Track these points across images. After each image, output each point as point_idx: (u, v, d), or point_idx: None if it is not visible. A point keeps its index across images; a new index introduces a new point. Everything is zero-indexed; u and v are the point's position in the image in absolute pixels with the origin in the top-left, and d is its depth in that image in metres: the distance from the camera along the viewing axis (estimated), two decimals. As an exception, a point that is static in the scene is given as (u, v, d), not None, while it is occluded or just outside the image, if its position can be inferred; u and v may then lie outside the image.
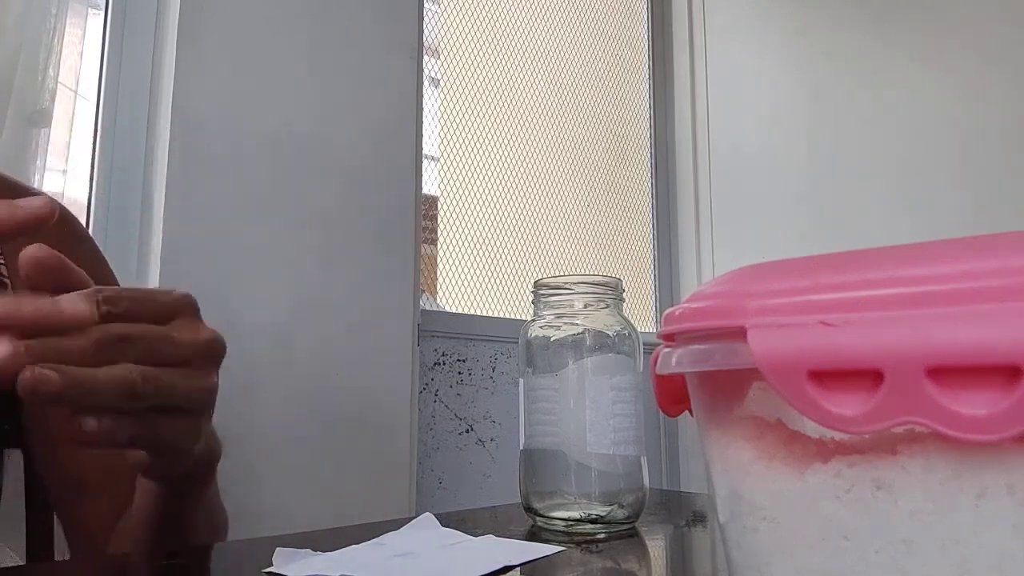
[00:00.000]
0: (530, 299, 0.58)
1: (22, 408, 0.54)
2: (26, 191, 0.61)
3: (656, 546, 0.51)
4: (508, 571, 0.40)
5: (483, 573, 0.39)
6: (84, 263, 0.61)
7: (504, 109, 1.70)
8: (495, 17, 1.72)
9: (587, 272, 1.60)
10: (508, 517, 0.57)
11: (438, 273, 1.53)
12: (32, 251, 0.33)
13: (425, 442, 1.36)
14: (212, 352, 0.39)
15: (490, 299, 1.60)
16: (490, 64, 1.69)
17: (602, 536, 0.50)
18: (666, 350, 0.24)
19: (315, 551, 0.43)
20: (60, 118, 1.02)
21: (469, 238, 1.59)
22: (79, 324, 0.31)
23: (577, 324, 0.54)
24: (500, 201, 1.66)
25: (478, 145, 1.64)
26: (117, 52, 1.08)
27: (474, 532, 0.49)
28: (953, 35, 1.55)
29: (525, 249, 1.69)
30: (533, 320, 0.56)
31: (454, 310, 1.53)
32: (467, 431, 1.44)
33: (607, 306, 0.55)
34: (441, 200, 1.56)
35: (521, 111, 1.74)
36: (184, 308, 0.38)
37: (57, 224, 0.61)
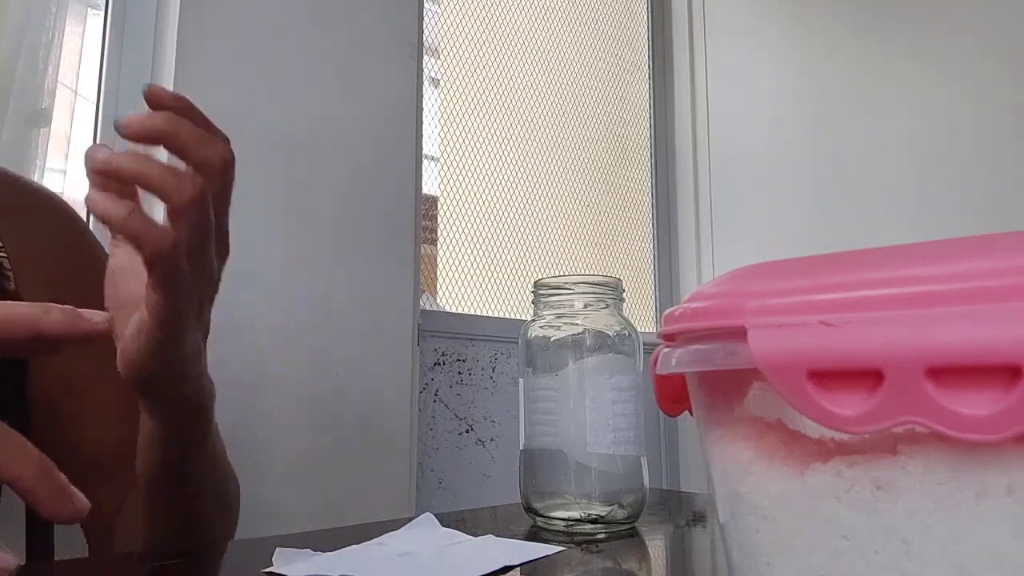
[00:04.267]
0: (530, 299, 0.58)
1: (26, 393, 0.54)
2: (32, 186, 0.62)
3: (656, 546, 0.51)
4: (508, 571, 0.40)
5: (483, 573, 0.39)
6: (88, 269, 0.61)
7: (504, 109, 1.70)
8: (495, 17, 1.72)
9: (587, 272, 1.60)
10: (508, 517, 0.57)
11: (438, 273, 1.53)
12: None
13: (425, 442, 1.36)
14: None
15: (490, 299, 1.60)
16: (490, 64, 1.69)
17: (602, 536, 0.50)
18: (666, 350, 0.24)
19: (315, 551, 0.43)
20: (60, 118, 1.02)
21: (469, 238, 1.59)
22: (99, 336, 0.32)
23: (577, 324, 0.54)
24: (500, 201, 1.66)
25: (478, 145, 1.64)
26: (117, 52, 1.08)
27: (474, 532, 0.49)
28: (955, 33, 1.55)
29: (525, 249, 1.69)
30: (533, 320, 0.56)
31: (454, 310, 1.53)
32: (467, 431, 1.44)
33: (607, 306, 0.55)
34: (441, 200, 1.56)
35: (521, 111, 1.74)
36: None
37: (61, 221, 0.61)
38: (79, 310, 0.32)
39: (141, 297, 0.43)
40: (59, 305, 0.32)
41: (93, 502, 0.52)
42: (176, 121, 0.40)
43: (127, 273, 0.45)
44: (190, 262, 0.40)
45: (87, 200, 0.37)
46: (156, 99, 0.39)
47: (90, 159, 0.37)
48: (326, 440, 1.14)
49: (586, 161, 1.88)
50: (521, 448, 0.55)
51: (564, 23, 1.88)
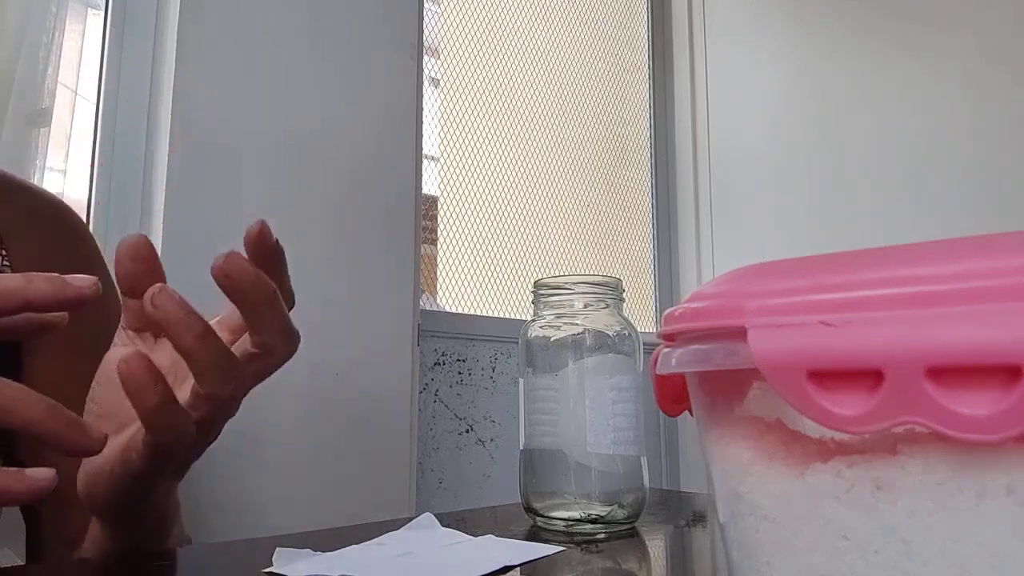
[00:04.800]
0: (530, 299, 0.58)
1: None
2: (36, 192, 0.62)
3: (656, 546, 0.51)
4: (508, 571, 0.40)
5: (483, 573, 0.39)
6: (84, 264, 0.61)
7: (504, 109, 1.70)
8: (495, 17, 1.72)
9: (587, 272, 1.60)
10: (508, 517, 0.57)
11: (438, 273, 1.53)
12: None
13: (425, 442, 1.36)
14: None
15: (490, 299, 1.60)
16: (490, 64, 1.69)
17: (602, 536, 0.50)
18: (666, 350, 0.24)
19: (315, 551, 0.43)
20: (60, 118, 1.02)
21: (469, 238, 1.59)
22: (86, 300, 0.32)
23: (577, 324, 0.54)
24: (500, 201, 1.66)
25: (478, 145, 1.64)
26: (117, 52, 1.08)
27: (474, 532, 0.49)
28: (954, 34, 1.55)
29: (525, 249, 1.69)
30: (533, 320, 0.56)
31: (454, 310, 1.53)
32: (467, 431, 1.44)
33: (607, 306, 0.55)
34: (441, 200, 1.56)
35: (521, 111, 1.74)
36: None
37: (62, 228, 0.60)
38: (64, 276, 0.32)
39: (124, 414, 0.40)
40: (42, 274, 0.31)
41: (61, 524, 0.49)
42: (272, 302, 0.37)
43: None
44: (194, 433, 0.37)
45: (125, 361, 0.33)
46: (256, 244, 0.38)
47: (161, 306, 0.34)
48: (326, 440, 1.14)
49: (586, 161, 1.88)
50: (521, 448, 0.55)
51: (564, 23, 1.88)
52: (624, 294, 0.57)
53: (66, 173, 1.04)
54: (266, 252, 0.38)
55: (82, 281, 0.32)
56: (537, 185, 1.74)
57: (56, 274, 0.32)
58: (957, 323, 0.16)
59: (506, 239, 1.66)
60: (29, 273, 0.31)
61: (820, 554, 0.19)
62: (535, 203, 1.73)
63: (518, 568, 0.41)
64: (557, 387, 0.53)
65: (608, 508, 0.51)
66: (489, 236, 1.63)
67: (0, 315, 0.31)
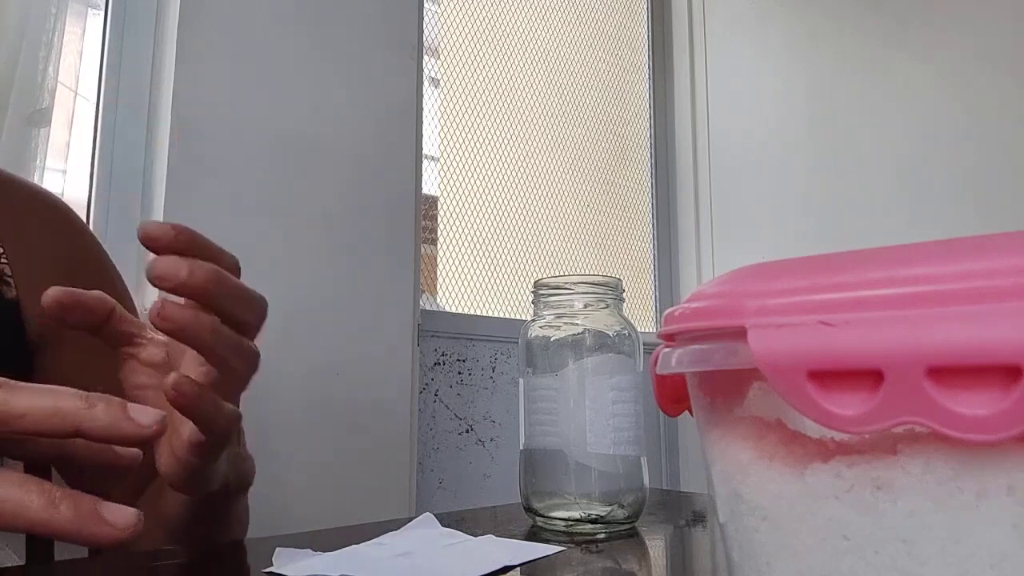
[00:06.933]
0: (530, 299, 0.58)
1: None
2: (35, 191, 0.62)
3: (656, 546, 0.51)
4: (508, 571, 0.40)
5: (483, 573, 0.39)
6: (92, 273, 0.60)
7: (504, 109, 1.70)
8: (495, 17, 1.72)
9: (587, 272, 1.60)
10: (508, 517, 0.57)
11: (438, 273, 1.53)
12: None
13: (425, 442, 1.36)
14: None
15: (490, 299, 1.60)
16: (490, 64, 1.69)
17: (602, 536, 0.50)
18: (666, 350, 0.24)
19: (315, 551, 0.43)
20: (60, 118, 1.02)
21: (469, 238, 1.59)
22: (146, 440, 0.28)
23: (577, 324, 0.54)
24: (500, 201, 1.66)
25: (478, 145, 1.64)
26: (117, 52, 1.08)
27: (474, 532, 0.49)
28: (955, 34, 1.55)
29: (525, 249, 1.69)
30: (533, 320, 0.56)
31: (454, 310, 1.53)
32: (467, 431, 1.44)
33: (607, 306, 0.55)
34: (441, 200, 1.56)
35: (521, 111, 1.74)
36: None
37: (62, 226, 0.60)
38: (126, 405, 0.28)
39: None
40: (105, 396, 0.27)
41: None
42: (218, 280, 0.35)
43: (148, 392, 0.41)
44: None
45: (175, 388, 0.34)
46: (154, 241, 0.34)
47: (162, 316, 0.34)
48: (326, 440, 1.14)
49: (586, 161, 1.88)
50: (521, 448, 0.55)
51: (564, 23, 1.88)
52: (624, 294, 0.57)
53: (66, 173, 1.04)
54: (183, 245, 0.35)
55: (145, 418, 0.28)
56: (537, 185, 1.74)
57: (118, 401, 0.28)
58: (957, 323, 0.16)
59: (506, 239, 1.66)
60: (92, 394, 0.27)
61: (820, 554, 0.19)
62: (535, 203, 1.73)
63: (518, 568, 0.41)
64: (557, 387, 0.53)
65: (608, 508, 0.51)
66: (489, 236, 1.63)
67: (47, 435, 0.27)
